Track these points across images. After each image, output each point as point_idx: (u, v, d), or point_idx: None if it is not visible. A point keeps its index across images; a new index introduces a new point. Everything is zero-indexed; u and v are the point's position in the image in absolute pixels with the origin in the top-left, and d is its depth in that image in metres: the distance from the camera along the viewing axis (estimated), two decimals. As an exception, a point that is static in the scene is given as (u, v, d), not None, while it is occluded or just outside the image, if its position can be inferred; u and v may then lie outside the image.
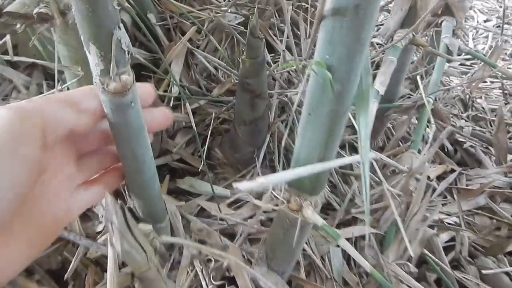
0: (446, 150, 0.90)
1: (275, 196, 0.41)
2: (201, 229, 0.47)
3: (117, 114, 0.38)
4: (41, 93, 0.72)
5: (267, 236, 0.49)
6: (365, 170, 0.34)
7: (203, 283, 0.50)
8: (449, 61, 0.81)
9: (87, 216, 0.57)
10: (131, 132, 0.41)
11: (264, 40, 0.52)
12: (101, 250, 0.51)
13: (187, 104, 0.48)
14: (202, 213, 0.64)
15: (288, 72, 0.68)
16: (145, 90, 0.46)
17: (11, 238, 0.30)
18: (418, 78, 0.67)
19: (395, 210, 0.44)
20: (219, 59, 0.80)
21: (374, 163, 0.75)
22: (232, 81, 0.75)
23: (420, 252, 0.58)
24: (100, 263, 0.54)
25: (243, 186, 0.27)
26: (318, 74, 0.31)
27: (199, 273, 0.51)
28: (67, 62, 0.53)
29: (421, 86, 0.67)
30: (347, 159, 0.40)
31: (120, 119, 0.39)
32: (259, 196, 0.67)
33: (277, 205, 0.41)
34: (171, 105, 0.72)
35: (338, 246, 0.62)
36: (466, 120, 0.98)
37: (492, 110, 1.07)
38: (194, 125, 0.49)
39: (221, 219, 0.61)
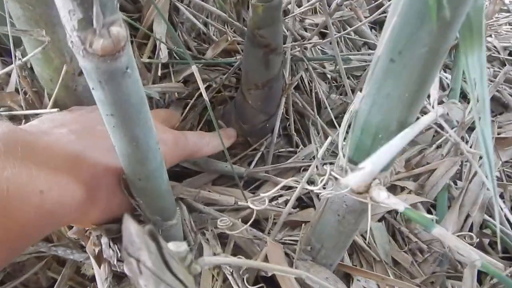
0: (467, 96, 0.82)
1: (334, 178, 0.31)
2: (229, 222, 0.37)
3: (109, 87, 0.26)
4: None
5: (312, 225, 0.39)
6: (484, 130, 0.24)
7: (235, 289, 0.40)
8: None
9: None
10: (130, 111, 0.29)
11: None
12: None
13: (194, 67, 0.36)
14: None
15: (300, 19, 0.56)
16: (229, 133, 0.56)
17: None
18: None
19: (477, 168, 0.35)
20: (207, 16, 0.67)
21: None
22: (228, 38, 0.62)
23: (482, 220, 0.49)
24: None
25: (351, 181, 0.17)
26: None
27: (229, 276, 0.41)
28: (24, 26, 0.40)
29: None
30: (428, 118, 0.30)
31: (113, 94, 0.27)
32: (277, 172, 0.56)
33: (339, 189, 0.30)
34: (159, 74, 0.60)
35: (379, 221, 0.53)
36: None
37: (505, 48, 0.99)
38: (204, 93, 0.37)
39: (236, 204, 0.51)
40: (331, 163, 0.32)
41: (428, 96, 0.31)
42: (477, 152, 0.41)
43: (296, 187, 0.51)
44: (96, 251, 0.40)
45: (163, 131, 0.44)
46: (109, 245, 0.40)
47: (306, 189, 0.48)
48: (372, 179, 0.31)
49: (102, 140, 0.35)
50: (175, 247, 0.23)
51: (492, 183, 0.24)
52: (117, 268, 0.40)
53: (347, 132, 0.31)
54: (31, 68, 0.48)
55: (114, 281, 0.41)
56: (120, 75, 0.26)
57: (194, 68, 0.36)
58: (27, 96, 0.49)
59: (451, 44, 0.24)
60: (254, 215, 0.34)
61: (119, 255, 0.40)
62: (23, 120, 0.46)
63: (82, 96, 0.47)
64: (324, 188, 0.31)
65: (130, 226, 0.16)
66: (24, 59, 0.42)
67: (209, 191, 0.52)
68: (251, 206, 0.32)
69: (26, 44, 0.43)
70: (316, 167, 0.32)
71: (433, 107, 0.33)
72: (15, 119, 0.48)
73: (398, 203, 0.30)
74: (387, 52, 0.24)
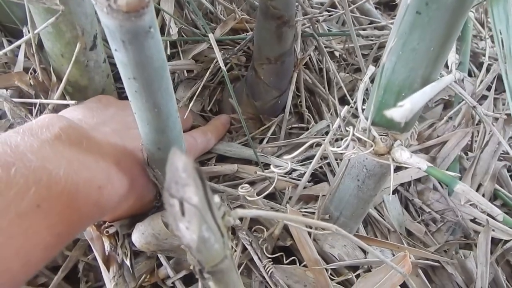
0: (472, 74, 0.82)
1: (357, 138, 0.31)
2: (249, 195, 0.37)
3: (133, 47, 0.26)
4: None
5: (331, 193, 0.39)
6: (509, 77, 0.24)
7: (255, 258, 0.41)
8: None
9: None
10: (152, 74, 0.29)
11: None
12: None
13: (211, 35, 0.36)
14: (218, 178, 0.54)
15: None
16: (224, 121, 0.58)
17: None
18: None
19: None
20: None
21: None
22: (236, 16, 0.62)
23: (493, 189, 0.50)
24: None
25: (395, 113, 0.17)
26: None
27: (248, 246, 0.41)
28: (33, -2, 0.40)
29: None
30: (448, 78, 0.30)
31: (136, 56, 0.27)
32: (289, 148, 0.57)
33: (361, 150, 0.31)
34: (168, 53, 0.60)
35: (393, 194, 0.53)
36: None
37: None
38: (220, 59, 0.37)
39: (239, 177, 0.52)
40: (352, 126, 0.32)
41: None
42: (494, 114, 0.42)
43: (310, 161, 0.51)
44: (107, 252, 0.41)
45: None
46: (123, 243, 0.41)
47: (320, 162, 0.48)
48: (394, 139, 0.32)
49: (137, 141, 0.37)
50: (209, 198, 0.23)
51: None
52: (128, 269, 0.41)
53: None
54: (39, 46, 0.47)
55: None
56: (143, 35, 0.26)
57: (210, 36, 0.36)
58: (36, 75, 0.48)
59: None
60: (275, 181, 0.34)
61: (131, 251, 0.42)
62: (38, 106, 0.46)
63: (94, 72, 0.47)
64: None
65: (177, 161, 0.16)
66: (36, 30, 0.42)
67: (214, 165, 0.53)
68: (274, 169, 0.32)
69: (36, 17, 0.43)
70: (338, 127, 0.32)
71: (451, 70, 0.34)
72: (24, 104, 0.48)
73: (420, 161, 0.30)
74: (413, 5, 0.25)
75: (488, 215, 0.45)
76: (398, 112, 0.17)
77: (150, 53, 0.27)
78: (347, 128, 0.31)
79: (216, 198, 0.23)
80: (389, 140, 0.31)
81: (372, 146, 0.30)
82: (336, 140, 0.48)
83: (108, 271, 0.41)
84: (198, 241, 0.18)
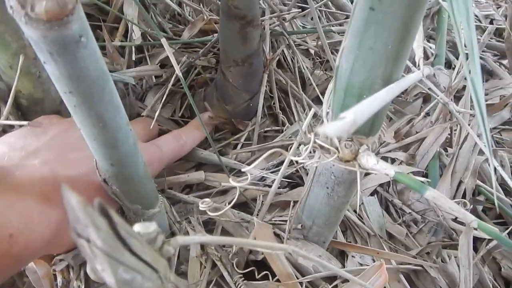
0: (452, 66, 0.80)
1: (319, 146, 0.28)
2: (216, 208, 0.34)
3: (63, 59, 0.24)
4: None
5: (302, 201, 0.37)
6: (477, 91, 0.22)
7: (225, 274, 0.38)
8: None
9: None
10: (91, 87, 0.27)
11: None
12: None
13: (163, 40, 0.34)
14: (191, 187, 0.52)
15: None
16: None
17: None
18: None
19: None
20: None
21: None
22: (205, 17, 0.60)
23: (474, 186, 0.48)
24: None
25: (330, 129, 0.15)
26: None
27: (217, 262, 0.39)
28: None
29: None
30: (414, 76, 0.28)
31: (69, 68, 0.25)
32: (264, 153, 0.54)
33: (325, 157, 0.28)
34: (133, 58, 0.57)
35: (371, 195, 0.51)
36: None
37: (486, 17, 0.97)
38: (176, 67, 0.35)
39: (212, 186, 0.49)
40: (315, 134, 0.30)
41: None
42: (467, 111, 0.40)
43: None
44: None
45: None
46: (78, 275, 0.38)
47: (293, 164, 0.46)
48: (360, 144, 0.29)
49: (76, 167, 0.34)
50: (143, 228, 0.21)
51: (486, 134, 0.22)
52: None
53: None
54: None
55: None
56: (73, 45, 0.23)
57: (163, 41, 0.34)
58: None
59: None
60: (237, 193, 0.32)
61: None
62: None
63: (48, 83, 0.44)
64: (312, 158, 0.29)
65: (71, 199, 0.13)
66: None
67: (178, 174, 0.50)
68: (233, 183, 0.30)
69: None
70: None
71: (418, 65, 0.32)
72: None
73: (388, 168, 0.28)
74: (366, 0, 0.22)
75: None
76: (335, 128, 0.15)
77: (85, 65, 0.25)
78: (308, 135, 0.28)
79: (152, 226, 0.21)
80: (354, 145, 0.29)
81: (336, 153, 0.28)
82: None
83: None
84: (117, 285, 0.16)
